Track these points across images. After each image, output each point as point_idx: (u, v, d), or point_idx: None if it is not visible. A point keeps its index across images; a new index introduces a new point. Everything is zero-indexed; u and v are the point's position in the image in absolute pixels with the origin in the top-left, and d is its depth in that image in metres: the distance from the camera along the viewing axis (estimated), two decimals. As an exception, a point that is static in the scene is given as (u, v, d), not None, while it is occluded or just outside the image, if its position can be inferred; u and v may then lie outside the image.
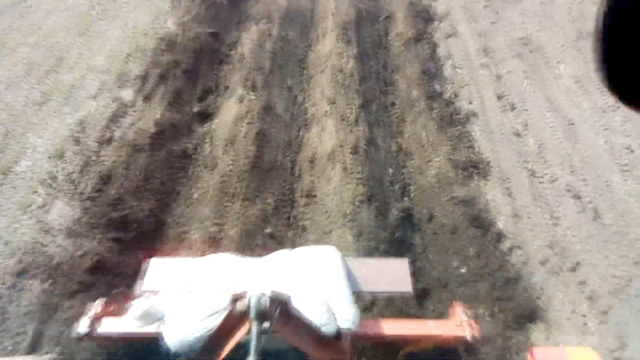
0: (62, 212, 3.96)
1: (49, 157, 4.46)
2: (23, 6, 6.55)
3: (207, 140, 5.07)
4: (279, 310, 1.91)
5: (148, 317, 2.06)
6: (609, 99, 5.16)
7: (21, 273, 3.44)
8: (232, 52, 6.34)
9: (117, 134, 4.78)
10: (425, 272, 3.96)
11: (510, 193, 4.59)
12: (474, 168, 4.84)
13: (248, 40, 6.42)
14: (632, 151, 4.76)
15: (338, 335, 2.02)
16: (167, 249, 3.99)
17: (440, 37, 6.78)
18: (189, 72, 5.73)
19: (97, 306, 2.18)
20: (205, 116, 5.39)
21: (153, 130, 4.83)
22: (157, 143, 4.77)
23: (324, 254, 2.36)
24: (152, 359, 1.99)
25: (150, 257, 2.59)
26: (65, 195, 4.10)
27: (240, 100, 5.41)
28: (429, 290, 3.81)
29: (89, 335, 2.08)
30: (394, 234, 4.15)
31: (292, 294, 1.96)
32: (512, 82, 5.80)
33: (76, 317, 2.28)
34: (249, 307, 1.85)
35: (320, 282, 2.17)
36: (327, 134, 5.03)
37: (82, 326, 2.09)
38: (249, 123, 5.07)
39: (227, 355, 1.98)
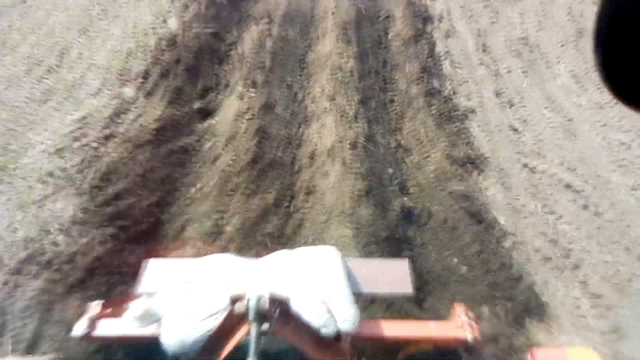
0: (64, 206, 3.90)
1: (50, 154, 4.39)
2: (23, 6, 6.47)
3: (207, 136, 5.02)
4: (279, 311, 1.85)
5: (147, 318, 2.01)
6: (606, 96, 5.11)
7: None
8: (232, 52, 6.28)
9: (119, 130, 4.72)
10: (423, 265, 3.93)
11: (507, 188, 4.54)
12: (472, 164, 4.80)
13: (248, 39, 6.37)
14: (629, 147, 4.71)
15: (338, 336, 1.96)
16: (168, 241, 3.97)
17: (439, 36, 6.72)
18: (190, 70, 5.68)
19: (95, 307, 2.12)
20: (206, 113, 5.33)
21: (154, 126, 4.79)
22: (158, 139, 4.73)
23: (324, 255, 2.30)
24: (151, 360, 1.95)
25: (151, 250, 2.54)
26: (66, 190, 4.04)
27: (241, 97, 5.37)
28: (426, 283, 3.78)
29: (87, 337, 2.02)
30: (392, 227, 4.11)
31: (291, 294, 1.91)
32: (511, 80, 5.73)
33: (74, 318, 2.25)
34: (248, 307, 1.79)
35: (320, 282, 2.11)
36: (327, 130, 5.00)
37: (81, 327, 2.03)
38: (249, 119, 5.04)
39: (227, 356, 1.92)
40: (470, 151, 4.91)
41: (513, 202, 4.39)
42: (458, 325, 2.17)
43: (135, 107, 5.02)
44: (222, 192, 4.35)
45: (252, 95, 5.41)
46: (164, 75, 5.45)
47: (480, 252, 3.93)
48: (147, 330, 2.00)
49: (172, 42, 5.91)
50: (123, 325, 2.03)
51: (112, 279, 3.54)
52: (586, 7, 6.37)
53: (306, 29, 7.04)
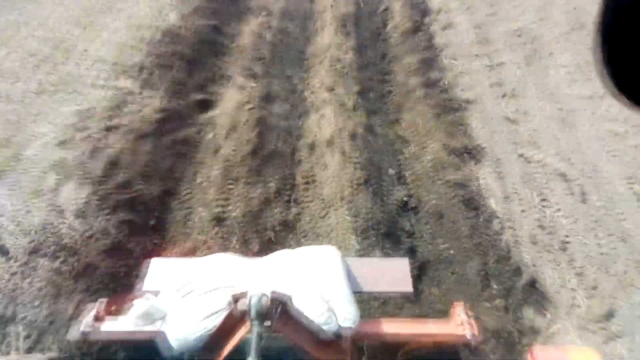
0: (70, 194, 3.83)
1: (56, 145, 4.30)
2: (29, 1, 6.30)
3: (209, 127, 4.94)
4: (280, 310, 1.78)
5: (148, 317, 1.93)
6: (599, 88, 5.00)
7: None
8: (232, 44, 6.16)
9: (122, 121, 4.62)
10: (420, 250, 3.90)
11: (502, 176, 4.46)
12: (468, 153, 4.71)
13: (248, 32, 6.24)
14: (620, 137, 4.61)
15: (338, 335, 1.90)
16: (173, 229, 3.93)
17: (437, 28, 6.55)
18: (191, 62, 5.59)
19: (97, 306, 2.05)
20: (207, 105, 5.23)
21: (156, 118, 4.71)
22: (160, 130, 4.65)
23: (324, 254, 2.22)
24: (153, 359, 1.87)
25: (155, 247, 2.48)
26: (73, 179, 3.96)
27: (241, 89, 5.28)
28: (424, 264, 3.76)
29: (89, 336, 1.95)
30: (390, 214, 4.08)
31: (292, 293, 1.83)
32: (507, 72, 5.59)
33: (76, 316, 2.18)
34: (249, 307, 1.72)
35: (320, 281, 2.03)
36: (326, 121, 4.92)
37: (82, 326, 1.96)
38: (249, 110, 4.96)
39: (228, 355, 1.86)
40: (467, 141, 4.82)
41: (508, 191, 4.31)
42: (458, 324, 2.10)
43: (138, 99, 4.93)
44: (224, 182, 4.29)
45: (253, 86, 5.32)
46: (166, 67, 5.35)
47: (472, 236, 3.89)
48: (149, 329, 1.92)
49: (173, 35, 5.78)
50: (125, 324, 1.95)
51: (120, 263, 3.49)
52: (581, 1, 6.19)
53: (305, 22, 6.90)
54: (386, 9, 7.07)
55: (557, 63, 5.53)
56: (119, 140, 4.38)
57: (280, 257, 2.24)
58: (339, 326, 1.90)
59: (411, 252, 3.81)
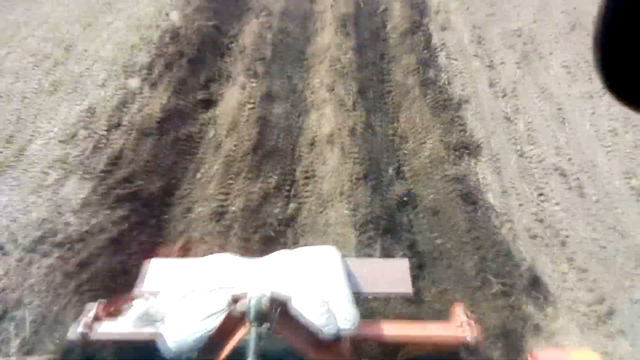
0: (73, 189, 3.82)
1: (59, 141, 4.26)
2: (29, 1, 6.24)
3: (210, 125, 4.90)
4: (279, 311, 1.73)
5: (148, 318, 1.88)
6: (596, 86, 4.97)
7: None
8: (233, 44, 6.10)
9: (125, 119, 4.59)
10: (418, 244, 3.86)
11: (499, 172, 4.42)
12: (466, 149, 4.67)
13: (249, 32, 6.18)
14: (617, 134, 4.59)
15: (338, 336, 1.85)
16: (174, 223, 3.91)
17: (435, 28, 6.49)
18: (193, 62, 5.53)
19: (95, 307, 2.00)
20: (209, 103, 5.19)
21: (159, 115, 4.67)
22: (163, 127, 4.61)
23: (324, 255, 2.17)
24: (152, 360, 1.83)
25: (155, 247, 2.43)
26: (75, 175, 3.95)
27: (242, 87, 5.23)
28: (422, 260, 3.71)
29: (87, 337, 1.90)
30: (388, 208, 4.04)
31: (292, 294, 1.78)
32: (505, 71, 5.54)
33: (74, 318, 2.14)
34: (249, 307, 1.67)
35: (320, 282, 1.98)
36: (326, 119, 4.87)
37: (81, 328, 1.91)
38: (250, 109, 4.92)
39: (227, 356, 1.81)
40: (464, 138, 4.78)
41: (506, 186, 4.26)
42: (458, 325, 2.05)
43: (141, 98, 4.89)
44: (225, 177, 4.26)
45: (254, 85, 5.27)
46: (168, 67, 5.31)
47: (470, 230, 3.85)
48: (148, 330, 1.88)
49: (174, 35, 5.72)
50: (124, 325, 1.91)
51: (121, 258, 3.46)
52: (581, 1, 6.12)
53: (306, 22, 6.84)
54: (386, 9, 7.00)
55: (557, 62, 5.48)
56: (122, 137, 4.36)
57: (279, 257, 2.19)
58: (339, 327, 1.85)
59: (409, 246, 3.76)
